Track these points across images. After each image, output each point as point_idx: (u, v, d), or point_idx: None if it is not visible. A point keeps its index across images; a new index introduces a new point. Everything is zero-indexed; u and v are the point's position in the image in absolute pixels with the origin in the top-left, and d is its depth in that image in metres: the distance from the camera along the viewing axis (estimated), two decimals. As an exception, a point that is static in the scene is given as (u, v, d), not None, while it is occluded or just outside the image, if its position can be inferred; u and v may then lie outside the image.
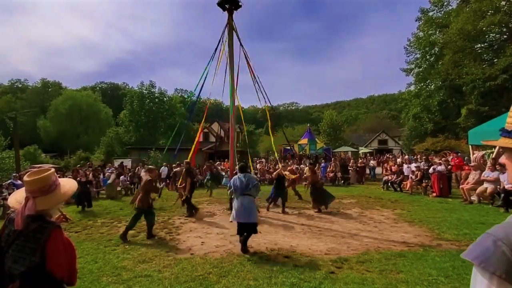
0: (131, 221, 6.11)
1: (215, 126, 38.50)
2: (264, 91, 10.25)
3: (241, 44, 9.27)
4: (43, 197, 1.73)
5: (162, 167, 16.73)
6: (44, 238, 1.62)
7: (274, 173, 9.45)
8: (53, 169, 1.89)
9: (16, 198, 1.82)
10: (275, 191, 8.98)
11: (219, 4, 9.08)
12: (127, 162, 23.12)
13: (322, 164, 16.74)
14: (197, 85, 9.58)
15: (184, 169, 8.96)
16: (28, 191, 1.75)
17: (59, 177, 1.96)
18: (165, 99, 42.04)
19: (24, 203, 1.70)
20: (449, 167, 11.30)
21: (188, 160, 9.11)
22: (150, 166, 7.46)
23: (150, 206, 6.29)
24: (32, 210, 1.67)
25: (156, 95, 40.97)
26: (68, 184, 1.93)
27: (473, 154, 10.70)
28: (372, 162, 18.85)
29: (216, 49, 9.43)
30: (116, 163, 20.91)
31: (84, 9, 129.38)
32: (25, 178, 1.78)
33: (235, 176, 5.53)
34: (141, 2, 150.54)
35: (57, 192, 1.80)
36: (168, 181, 15.92)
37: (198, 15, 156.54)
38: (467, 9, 25.03)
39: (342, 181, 15.37)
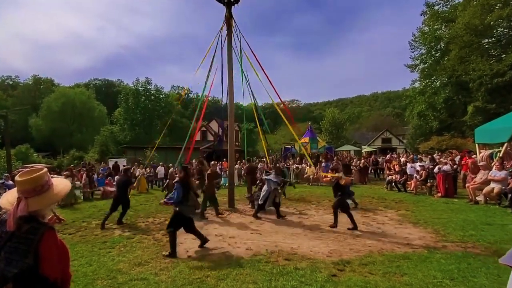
0: (203, 203, 7.96)
1: (214, 125, 38.38)
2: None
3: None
4: (35, 197, 1.73)
5: (158, 167, 16.74)
6: (37, 239, 1.63)
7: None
8: (45, 169, 1.90)
9: (8, 199, 1.81)
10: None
11: None
12: (122, 162, 23.12)
13: (323, 163, 16.73)
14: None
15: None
16: (20, 191, 1.75)
17: (53, 176, 1.96)
18: (161, 96, 42.06)
19: (16, 204, 1.70)
20: (455, 166, 11.29)
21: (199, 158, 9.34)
22: (200, 158, 8.56)
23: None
24: (24, 211, 1.67)
25: (152, 92, 40.89)
26: (62, 184, 1.93)
27: (480, 153, 10.70)
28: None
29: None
30: (111, 162, 20.87)
31: (77, 2, 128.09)
32: (17, 178, 1.78)
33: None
34: None
35: (50, 192, 1.81)
36: (164, 181, 15.92)
37: (197, 8, 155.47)
38: (474, 2, 25.04)
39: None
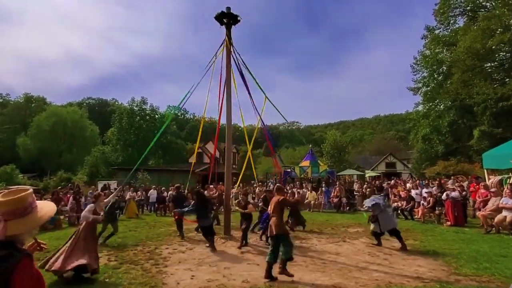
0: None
1: (210, 147, 38.35)
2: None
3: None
4: (16, 220, 1.65)
5: (151, 190, 16.50)
6: (11, 268, 1.51)
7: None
8: (31, 189, 1.81)
9: None
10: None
11: (216, 18, 9.28)
12: (112, 184, 22.80)
13: (324, 188, 16.52)
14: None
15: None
16: (0, 212, 1.66)
17: (37, 199, 1.87)
18: (156, 116, 42.36)
19: None
20: (464, 193, 11.17)
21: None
22: (278, 185, 6.86)
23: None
24: (2, 234, 1.58)
25: (147, 112, 41.27)
26: (46, 207, 1.85)
27: (489, 179, 10.65)
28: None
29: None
30: (100, 185, 20.58)
31: (73, 19, 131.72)
32: None
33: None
34: (136, 13, 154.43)
35: (32, 216, 1.72)
36: (157, 206, 15.65)
37: (195, 28, 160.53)
38: (475, 27, 25.99)
39: (348, 207, 15.17)
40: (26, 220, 1.69)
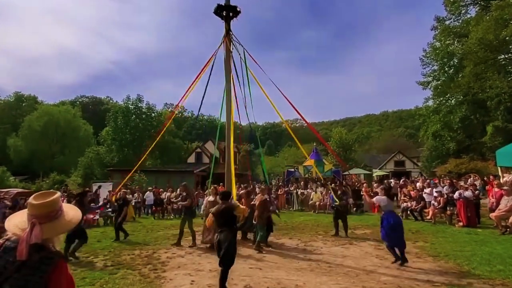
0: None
1: (209, 146, 38.32)
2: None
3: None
4: (49, 223, 1.73)
5: (147, 192, 16.56)
6: (50, 270, 1.61)
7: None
8: (59, 193, 1.91)
9: (16, 224, 1.76)
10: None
11: (215, 12, 9.17)
12: (108, 186, 22.84)
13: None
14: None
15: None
16: (34, 215, 1.72)
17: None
18: (153, 114, 42.29)
19: (29, 229, 1.65)
20: (477, 192, 11.15)
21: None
22: (262, 187, 8.52)
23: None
24: (39, 238, 1.64)
25: (144, 110, 41.15)
26: (72, 211, 1.92)
27: (503, 177, 10.62)
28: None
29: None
30: (95, 187, 20.59)
31: (65, 14, 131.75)
32: (31, 200, 1.77)
33: None
34: (130, 7, 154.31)
35: (62, 219, 1.81)
36: (154, 208, 15.74)
37: (193, 22, 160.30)
38: (487, 17, 25.80)
39: (355, 209, 15.18)
40: (58, 223, 1.77)
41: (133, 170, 9.91)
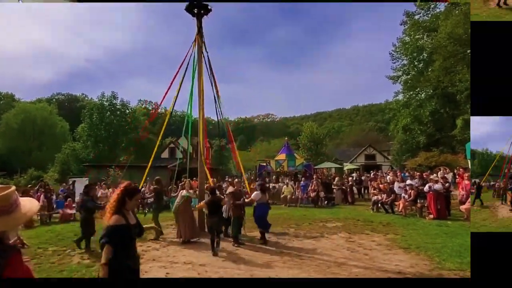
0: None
1: (183, 141, 38.13)
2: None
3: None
4: (2, 217, 1.79)
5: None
6: (3, 264, 1.67)
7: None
8: (13, 187, 1.95)
9: None
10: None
11: (187, 9, 9.69)
12: (84, 181, 22.29)
13: (302, 182, 16.69)
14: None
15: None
16: None
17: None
18: (127, 111, 44.22)
19: None
20: (447, 185, 11.53)
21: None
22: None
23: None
24: None
25: (118, 107, 43.13)
26: (29, 204, 2.01)
27: (472, 169, 11.09)
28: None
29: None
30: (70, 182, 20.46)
31: (40, 12, 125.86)
32: None
33: None
34: (104, 6, 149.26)
35: (18, 212, 1.87)
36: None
37: (165, 20, 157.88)
38: (457, 11, 26.95)
39: (326, 202, 15.34)
40: (12, 217, 1.83)
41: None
